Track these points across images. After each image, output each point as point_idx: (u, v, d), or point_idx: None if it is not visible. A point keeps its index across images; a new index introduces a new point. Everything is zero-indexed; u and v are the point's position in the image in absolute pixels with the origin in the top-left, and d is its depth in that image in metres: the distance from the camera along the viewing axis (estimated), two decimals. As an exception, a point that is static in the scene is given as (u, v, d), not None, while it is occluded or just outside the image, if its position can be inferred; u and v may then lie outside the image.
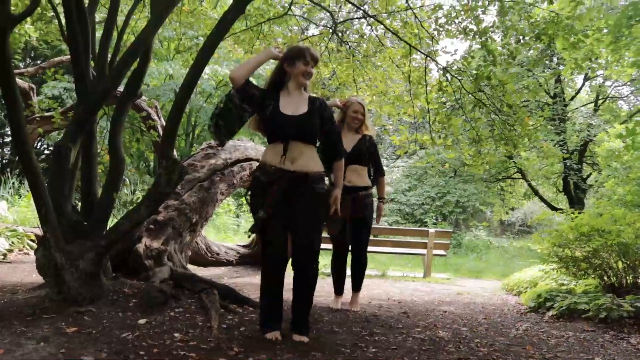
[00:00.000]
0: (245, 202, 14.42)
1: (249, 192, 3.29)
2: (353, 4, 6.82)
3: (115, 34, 4.71)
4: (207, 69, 12.51)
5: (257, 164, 6.01)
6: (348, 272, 4.65)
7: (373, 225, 4.80)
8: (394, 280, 7.53)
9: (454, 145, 7.39)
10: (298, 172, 3.14)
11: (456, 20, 6.38)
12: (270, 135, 3.25)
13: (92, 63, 4.35)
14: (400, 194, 19.05)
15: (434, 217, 18.25)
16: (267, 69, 15.32)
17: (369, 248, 7.65)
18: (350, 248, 4.56)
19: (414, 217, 18.43)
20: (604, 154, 13.75)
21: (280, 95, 3.28)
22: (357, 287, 4.62)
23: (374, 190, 4.73)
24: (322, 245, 7.20)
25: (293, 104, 3.24)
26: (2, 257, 6.38)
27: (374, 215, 4.69)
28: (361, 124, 4.54)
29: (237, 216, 15.03)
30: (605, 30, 7.10)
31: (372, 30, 7.37)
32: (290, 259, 3.22)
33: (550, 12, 5.97)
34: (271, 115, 3.20)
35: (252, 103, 3.25)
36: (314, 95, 3.40)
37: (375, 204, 4.70)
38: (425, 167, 19.02)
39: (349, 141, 4.41)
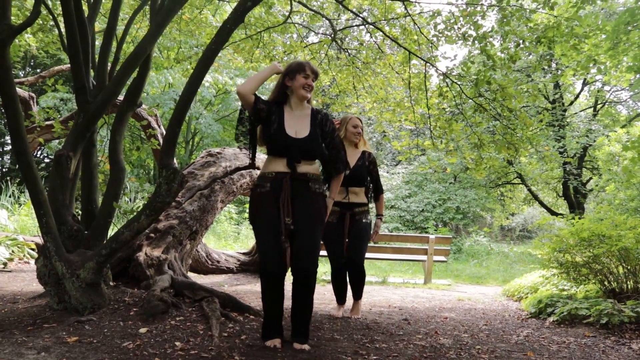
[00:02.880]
0: (247, 211, 14.43)
1: (250, 208, 3.30)
2: (352, 12, 6.85)
3: (115, 43, 4.73)
4: (207, 77, 12.56)
5: (258, 171, 6.07)
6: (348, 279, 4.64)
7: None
8: (394, 287, 7.52)
9: (455, 151, 7.41)
10: (298, 173, 3.18)
11: (455, 26, 6.40)
12: (274, 150, 3.24)
13: (92, 72, 4.37)
14: (401, 200, 19.04)
15: (434, 224, 18.24)
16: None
17: (370, 254, 7.69)
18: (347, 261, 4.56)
19: (414, 223, 18.42)
20: (604, 158, 13.77)
21: (284, 110, 3.30)
22: (357, 295, 4.62)
23: (373, 207, 4.75)
24: (321, 252, 7.24)
25: (297, 123, 3.26)
26: (2, 266, 6.39)
27: (371, 233, 4.69)
28: (360, 138, 4.60)
29: (238, 224, 15.02)
30: (603, 36, 7.13)
31: (372, 38, 7.40)
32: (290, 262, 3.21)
33: (549, 16, 6.00)
34: (275, 134, 3.22)
35: (259, 118, 3.27)
36: (317, 108, 3.42)
37: (373, 221, 4.73)
38: (425, 174, 19.03)
39: (349, 158, 4.44)
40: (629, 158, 10.63)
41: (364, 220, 4.52)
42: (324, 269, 8.69)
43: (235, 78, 14.61)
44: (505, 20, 5.93)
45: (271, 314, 3.19)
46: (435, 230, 17.10)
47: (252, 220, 3.25)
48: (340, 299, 4.63)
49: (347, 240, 4.43)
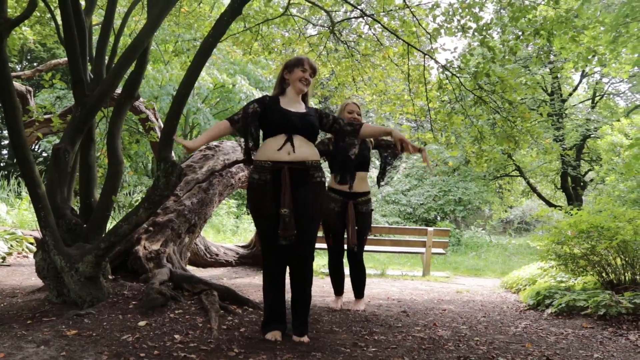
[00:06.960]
0: (245, 204, 14.42)
1: (248, 197, 3.30)
2: (350, 3, 6.82)
3: (112, 36, 4.71)
4: (204, 72, 12.52)
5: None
6: (346, 271, 4.65)
7: (373, 225, 4.82)
8: (393, 279, 7.53)
9: (456, 144, 7.40)
10: (296, 161, 3.18)
11: (455, 18, 6.38)
12: (272, 129, 3.25)
13: (89, 65, 4.35)
14: (400, 194, 19.04)
15: (436, 216, 18.25)
16: (269, 77, 15.27)
17: (369, 247, 7.69)
18: (346, 252, 4.57)
19: (415, 216, 18.43)
20: (606, 148, 13.73)
21: (279, 99, 3.37)
22: (359, 294, 4.62)
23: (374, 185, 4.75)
24: (321, 245, 7.25)
25: (293, 105, 3.34)
26: (0, 260, 6.38)
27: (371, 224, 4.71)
28: None
29: (237, 217, 15.02)
30: (602, 28, 7.12)
31: (370, 30, 7.37)
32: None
33: (548, 8, 5.98)
34: (274, 112, 3.27)
35: (256, 118, 3.31)
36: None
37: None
38: (425, 167, 19.04)
39: None
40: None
41: (366, 209, 4.53)
42: (322, 262, 8.70)
43: (236, 75, 14.58)
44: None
45: (271, 305, 3.22)
46: (440, 221, 17.13)
47: (252, 211, 3.25)
48: (338, 290, 4.64)
49: (355, 227, 4.42)
